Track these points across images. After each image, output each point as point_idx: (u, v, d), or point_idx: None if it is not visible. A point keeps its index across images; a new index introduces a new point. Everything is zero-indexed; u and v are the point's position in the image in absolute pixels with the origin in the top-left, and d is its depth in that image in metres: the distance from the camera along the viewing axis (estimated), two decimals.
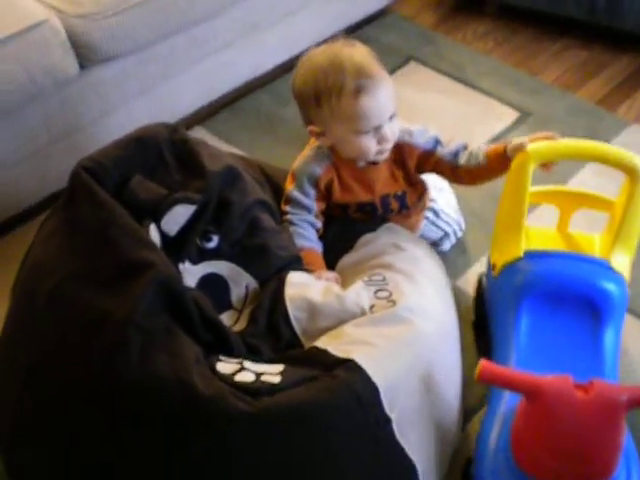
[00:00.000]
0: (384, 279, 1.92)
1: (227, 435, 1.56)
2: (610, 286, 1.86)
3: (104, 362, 1.63)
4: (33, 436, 1.73)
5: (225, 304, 1.92)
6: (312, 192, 2.11)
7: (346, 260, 2.09)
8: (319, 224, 2.13)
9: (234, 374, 1.66)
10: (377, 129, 1.96)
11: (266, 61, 2.97)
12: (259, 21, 2.81)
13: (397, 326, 1.76)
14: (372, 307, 1.84)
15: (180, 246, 1.89)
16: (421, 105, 2.91)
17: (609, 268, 1.88)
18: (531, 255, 1.91)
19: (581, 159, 1.92)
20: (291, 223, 2.09)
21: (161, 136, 1.98)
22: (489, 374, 1.54)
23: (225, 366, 1.68)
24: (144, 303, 1.65)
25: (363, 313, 1.83)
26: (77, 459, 1.66)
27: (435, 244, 2.33)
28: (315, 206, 2.12)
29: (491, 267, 2.00)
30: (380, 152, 2.01)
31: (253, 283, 1.95)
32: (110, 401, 1.62)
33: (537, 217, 2.13)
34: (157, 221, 1.86)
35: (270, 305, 1.88)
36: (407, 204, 2.17)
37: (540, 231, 2.05)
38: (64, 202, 1.90)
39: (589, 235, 2.04)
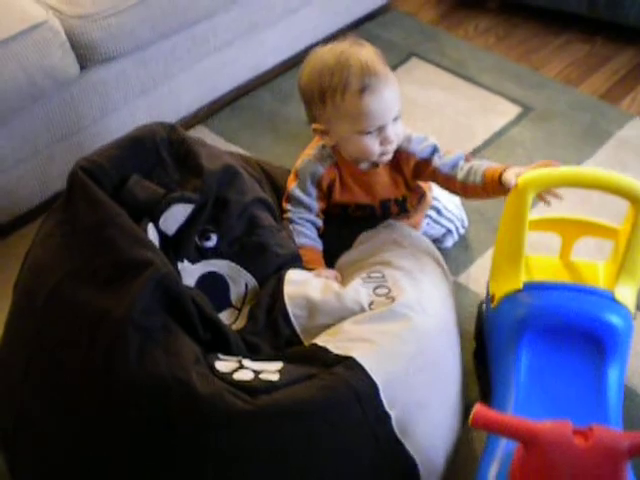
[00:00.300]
0: (383, 276, 1.92)
1: (225, 433, 1.56)
2: (614, 319, 1.78)
3: (102, 361, 1.63)
4: (34, 434, 1.73)
5: (224, 303, 1.92)
6: (314, 191, 2.11)
7: (345, 258, 2.09)
8: (320, 222, 2.13)
9: (233, 372, 1.66)
10: (380, 129, 1.95)
11: (267, 59, 2.97)
12: (259, 19, 2.81)
13: (396, 323, 1.76)
14: (371, 304, 1.84)
15: (178, 245, 1.89)
16: (423, 101, 2.91)
17: (613, 300, 1.80)
18: (531, 286, 1.84)
19: (582, 187, 1.84)
20: (291, 221, 2.09)
21: (159, 135, 1.98)
22: (483, 420, 1.48)
23: (224, 364, 1.68)
24: (142, 302, 1.65)
25: (362, 310, 1.82)
26: (76, 457, 1.67)
27: (437, 241, 2.33)
28: (316, 205, 2.12)
29: (490, 298, 1.92)
30: (383, 154, 2.00)
31: (252, 281, 1.95)
32: (108, 399, 1.63)
33: (540, 242, 2.09)
34: (155, 220, 1.86)
35: (269, 303, 1.88)
36: (407, 208, 2.17)
37: (541, 260, 1.97)
38: (62, 203, 1.90)
39: (593, 264, 1.96)
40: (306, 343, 1.82)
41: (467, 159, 2.02)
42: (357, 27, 3.24)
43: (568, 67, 3.12)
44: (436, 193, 2.29)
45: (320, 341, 1.77)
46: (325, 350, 1.72)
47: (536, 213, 1.96)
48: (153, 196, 1.88)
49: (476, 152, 2.69)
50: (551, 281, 1.85)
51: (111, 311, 1.65)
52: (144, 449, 1.60)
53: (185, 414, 1.57)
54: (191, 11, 2.51)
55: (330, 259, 2.10)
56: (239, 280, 1.94)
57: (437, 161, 2.02)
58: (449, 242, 2.37)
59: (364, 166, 2.08)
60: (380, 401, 1.64)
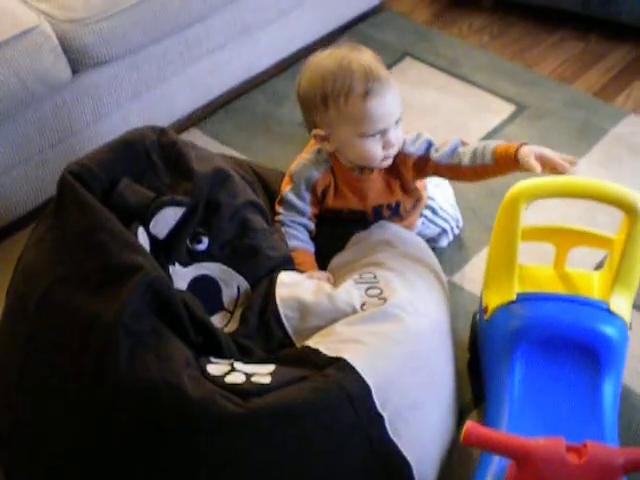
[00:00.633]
0: (375, 277, 1.92)
1: (217, 436, 1.57)
2: (609, 330, 1.75)
3: (94, 365, 1.63)
4: (28, 436, 1.73)
5: (217, 306, 1.92)
6: (308, 196, 2.11)
7: (338, 259, 2.08)
8: (312, 226, 2.13)
9: (224, 375, 1.66)
10: (383, 133, 1.95)
11: (260, 61, 2.97)
12: (252, 21, 2.80)
13: (388, 324, 1.76)
14: (363, 305, 1.84)
15: (170, 249, 1.89)
16: (417, 101, 2.90)
17: (608, 311, 1.78)
18: (525, 298, 1.82)
19: (576, 197, 1.82)
20: (283, 224, 2.09)
21: (149, 139, 1.98)
22: (475, 438, 1.46)
23: (215, 367, 1.68)
24: (132, 306, 1.66)
25: (354, 311, 1.82)
26: (69, 459, 1.67)
27: (432, 240, 2.32)
28: (309, 210, 2.12)
29: (483, 309, 1.90)
30: (385, 158, 2.00)
31: (244, 284, 1.95)
32: (100, 403, 1.63)
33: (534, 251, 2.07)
34: (146, 224, 1.86)
35: (261, 305, 1.88)
36: (400, 213, 2.16)
37: (535, 270, 1.95)
38: (53, 208, 1.90)
39: (587, 274, 1.94)
40: (298, 345, 1.82)
41: (464, 144, 2.03)
42: (350, 28, 3.23)
43: (562, 65, 3.11)
44: (431, 193, 2.28)
45: (312, 343, 1.77)
46: (317, 352, 1.72)
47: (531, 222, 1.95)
48: (143, 200, 1.87)
49: None
50: (545, 292, 1.84)
51: (101, 315, 1.65)
52: (136, 453, 1.60)
53: (176, 418, 1.58)
54: (183, 14, 2.51)
55: (323, 261, 2.10)
56: (231, 283, 1.94)
57: (435, 155, 2.02)
58: (444, 242, 2.37)
59: (357, 173, 2.07)
60: (373, 402, 1.64)
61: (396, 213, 2.15)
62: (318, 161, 2.09)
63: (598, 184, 1.78)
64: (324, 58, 1.98)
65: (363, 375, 1.64)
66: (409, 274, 1.92)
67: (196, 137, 2.75)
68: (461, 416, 1.93)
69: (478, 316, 1.97)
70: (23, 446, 1.75)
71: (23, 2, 2.33)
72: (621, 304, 1.80)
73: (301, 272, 1.99)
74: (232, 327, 1.89)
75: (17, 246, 2.03)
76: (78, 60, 2.34)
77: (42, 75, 2.26)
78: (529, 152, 1.84)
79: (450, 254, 2.37)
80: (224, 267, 1.94)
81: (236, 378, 1.65)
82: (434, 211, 2.30)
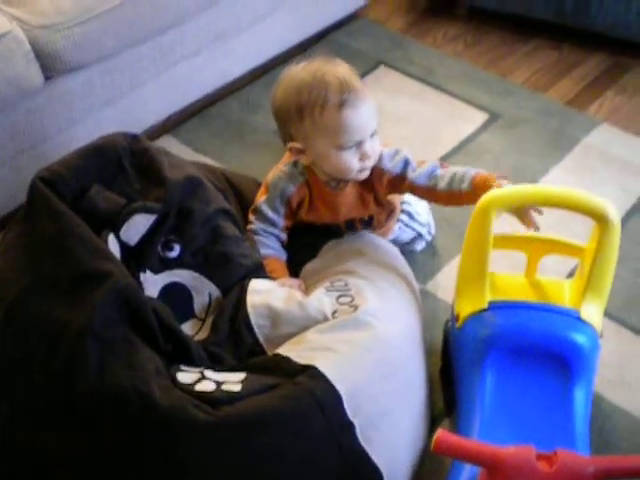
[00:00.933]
0: (346, 285, 1.92)
1: (187, 445, 1.56)
2: (580, 339, 1.76)
3: (63, 373, 1.63)
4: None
5: (188, 313, 1.92)
6: (282, 209, 2.10)
7: (310, 267, 2.08)
8: (284, 237, 2.13)
9: (195, 384, 1.65)
10: (359, 145, 1.93)
11: (234, 68, 2.96)
12: (226, 28, 2.80)
13: (359, 331, 1.76)
14: (334, 313, 1.84)
15: (141, 256, 1.88)
16: (391, 109, 2.91)
17: (579, 319, 1.79)
18: (496, 306, 1.81)
19: (548, 205, 1.82)
20: (255, 233, 2.09)
21: (120, 145, 1.97)
22: (446, 446, 1.46)
23: (186, 376, 1.68)
24: (102, 313, 1.65)
25: (325, 319, 1.82)
26: (38, 468, 1.66)
27: (406, 244, 2.33)
28: (282, 222, 2.12)
29: (455, 317, 1.89)
30: (361, 170, 1.99)
31: (216, 292, 1.94)
32: (70, 412, 1.62)
33: (506, 260, 2.07)
34: (116, 231, 1.85)
35: (232, 313, 1.87)
36: (373, 225, 2.17)
37: (507, 278, 1.96)
38: (23, 214, 1.89)
39: (559, 282, 1.94)
40: (269, 353, 1.82)
41: (442, 166, 2.02)
42: (325, 36, 3.23)
43: (536, 73, 3.13)
44: (407, 197, 2.28)
45: (283, 351, 1.76)
46: (288, 360, 1.72)
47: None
48: (114, 206, 1.87)
49: (444, 159, 2.69)
50: (516, 300, 1.84)
51: (71, 322, 1.65)
52: (106, 462, 1.59)
53: (146, 426, 1.57)
54: (157, 20, 2.50)
55: (295, 268, 2.10)
56: (203, 290, 1.93)
57: (411, 174, 2.01)
58: (419, 246, 2.37)
59: (333, 184, 2.07)
60: (343, 410, 1.64)
61: (369, 226, 2.16)
62: (294, 174, 2.08)
63: (569, 192, 1.79)
64: (299, 71, 1.97)
65: (334, 383, 1.64)
66: (380, 282, 1.92)
67: (170, 144, 2.74)
68: (433, 423, 1.93)
69: (450, 324, 1.97)
70: None
71: None
72: (592, 312, 1.81)
73: (273, 279, 1.99)
74: (203, 335, 1.88)
75: None
76: (51, 66, 2.33)
77: (14, 81, 2.24)
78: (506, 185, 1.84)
79: (423, 262, 2.37)
80: (196, 274, 1.93)
81: (206, 386, 1.65)
82: (410, 215, 2.30)
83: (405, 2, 3.52)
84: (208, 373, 1.70)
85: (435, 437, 1.46)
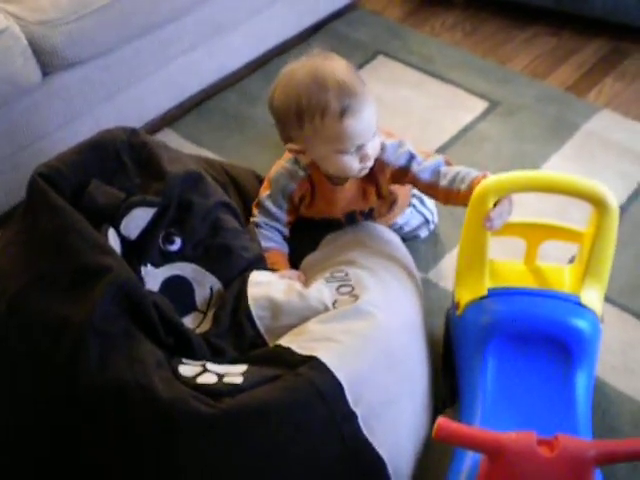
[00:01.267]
0: (346, 275, 1.91)
1: (189, 437, 1.56)
2: (581, 324, 1.76)
3: (65, 367, 1.63)
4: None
5: (189, 306, 1.91)
6: (284, 204, 2.10)
7: (310, 259, 2.08)
8: (286, 232, 2.13)
9: (196, 376, 1.65)
10: (360, 148, 1.91)
11: (233, 61, 2.96)
12: (224, 21, 2.80)
13: (360, 321, 1.76)
14: (335, 303, 1.84)
15: (141, 249, 1.88)
16: (390, 99, 2.90)
17: (579, 304, 1.79)
18: (496, 293, 1.82)
19: (545, 191, 1.83)
20: (258, 226, 2.09)
21: (119, 140, 1.97)
22: (446, 433, 1.46)
23: (187, 369, 1.68)
24: (103, 307, 1.65)
25: (326, 309, 1.82)
26: (40, 461, 1.67)
27: (412, 230, 2.34)
28: (285, 218, 2.11)
29: (455, 305, 1.90)
30: (362, 169, 1.97)
31: (217, 284, 1.94)
32: (71, 405, 1.62)
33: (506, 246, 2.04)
34: (116, 225, 1.85)
35: (233, 305, 1.87)
36: (373, 217, 2.16)
37: (506, 265, 1.95)
38: (23, 210, 1.90)
39: (558, 268, 1.94)
40: (271, 344, 1.82)
41: (447, 163, 2.01)
42: (323, 26, 3.23)
43: (535, 60, 3.12)
44: None
45: (284, 342, 1.76)
46: (289, 351, 1.72)
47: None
48: (113, 201, 1.87)
49: (444, 148, 2.69)
50: (516, 287, 1.84)
51: (72, 317, 1.65)
52: (108, 455, 1.60)
53: (148, 419, 1.57)
54: (153, 15, 2.50)
55: (295, 261, 2.10)
56: (204, 283, 1.93)
57: (416, 167, 1.99)
58: (423, 233, 2.37)
59: (335, 180, 2.06)
60: (345, 400, 1.64)
61: (369, 217, 2.16)
62: (295, 170, 2.07)
63: (566, 178, 1.79)
64: (297, 71, 1.92)
65: (335, 373, 1.64)
66: (381, 272, 1.92)
67: (169, 138, 2.74)
68: (436, 412, 1.92)
69: (451, 312, 1.97)
70: None
71: None
72: (592, 297, 1.81)
73: (274, 272, 1.99)
74: (205, 327, 1.88)
75: None
76: (48, 62, 2.33)
77: (12, 77, 2.25)
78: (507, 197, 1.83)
79: (425, 251, 2.37)
80: (197, 267, 1.93)
81: (208, 379, 1.65)
82: (422, 200, 2.32)
83: None
84: (210, 366, 1.70)
85: (436, 424, 1.47)
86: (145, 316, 1.71)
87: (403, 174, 2.02)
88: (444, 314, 2.06)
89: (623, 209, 2.48)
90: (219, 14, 2.75)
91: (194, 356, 1.75)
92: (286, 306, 1.84)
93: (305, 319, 1.82)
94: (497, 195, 1.79)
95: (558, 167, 2.61)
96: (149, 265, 1.88)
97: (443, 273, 2.32)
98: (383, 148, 2.00)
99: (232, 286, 1.91)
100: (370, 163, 1.97)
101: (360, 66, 2.98)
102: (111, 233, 1.83)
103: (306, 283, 1.96)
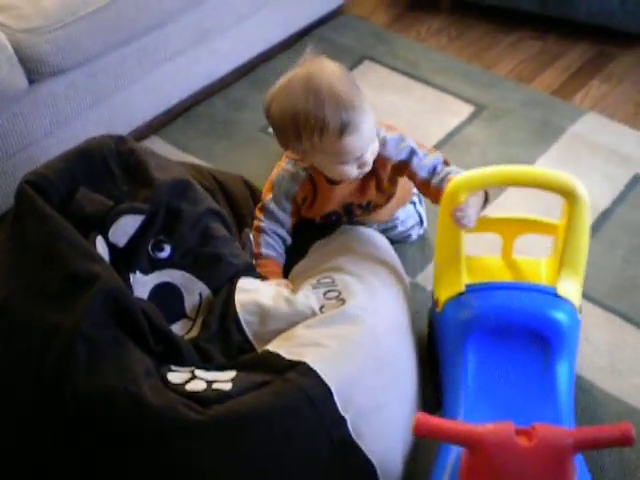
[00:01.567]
0: (333, 281, 1.92)
1: (179, 445, 1.56)
2: (558, 315, 1.78)
3: (52, 375, 1.63)
4: None
5: (179, 313, 1.92)
6: (288, 207, 2.10)
7: (298, 268, 2.09)
8: (289, 240, 2.13)
9: (185, 383, 1.66)
10: (359, 157, 1.92)
11: (219, 67, 2.96)
12: (210, 27, 2.80)
13: (347, 325, 1.76)
14: (322, 307, 1.84)
15: (130, 257, 1.88)
16: (377, 104, 2.86)
17: (556, 296, 1.80)
18: (473, 289, 1.83)
19: (514, 185, 1.86)
20: (262, 231, 2.09)
21: (106, 147, 1.97)
22: (425, 428, 1.47)
23: (176, 376, 1.68)
24: (91, 315, 1.65)
25: (313, 314, 1.83)
26: (27, 471, 1.66)
27: (405, 230, 2.35)
28: (289, 221, 2.12)
29: (435, 303, 1.92)
30: (360, 173, 1.98)
31: (206, 291, 1.94)
32: (59, 413, 1.62)
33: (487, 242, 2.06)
34: (104, 233, 1.85)
35: (221, 311, 1.88)
36: (371, 209, 2.16)
37: (483, 261, 1.97)
38: (10, 218, 1.90)
39: (535, 261, 1.96)
40: (259, 349, 1.82)
41: (445, 162, 2.02)
42: (309, 32, 3.23)
43: (520, 65, 3.13)
44: None
45: (272, 347, 1.77)
46: (278, 356, 1.72)
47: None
48: (101, 208, 1.87)
49: None
50: (493, 282, 1.85)
51: (60, 325, 1.65)
52: (97, 463, 1.60)
53: (137, 427, 1.57)
54: (139, 22, 2.50)
55: (285, 271, 2.11)
56: (193, 290, 1.94)
57: (416, 163, 2.00)
58: (416, 233, 2.38)
59: (334, 181, 2.06)
60: (334, 405, 1.64)
61: (367, 209, 2.15)
62: (297, 172, 2.07)
63: (535, 171, 1.84)
64: (293, 84, 1.87)
65: (324, 378, 1.64)
66: (368, 277, 1.92)
67: (157, 144, 2.74)
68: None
69: (432, 310, 1.98)
70: None
71: None
72: (569, 288, 1.82)
73: (263, 280, 1.99)
74: (194, 334, 1.88)
75: None
76: (34, 69, 2.33)
77: None
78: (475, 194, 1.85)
79: (413, 255, 2.38)
80: (186, 274, 1.93)
81: (197, 386, 1.65)
82: (420, 200, 2.35)
83: None
84: (199, 372, 1.70)
85: (415, 420, 1.47)
86: (134, 323, 1.71)
87: (403, 168, 2.03)
88: (427, 313, 2.07)
89: (610, 211, 2.49)
90: (205, 20, 2.75)
91: (183, 362, 1.75)
92: (274, 311, 1.84)
93: (293, 324, 1.82)
94: (467, 192, 1.80)
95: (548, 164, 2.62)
96: (138, 272, 1.88)
97: (431, 277, 2.29)
98: (384, 143, 2.00)
99: (221, 292, 1.92)
100: (369, 167, 1.97)
101: None
102: (99, 241, 1.83)
103: (294, 291, 1.96)
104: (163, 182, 1.93)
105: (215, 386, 1.65)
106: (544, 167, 2.62)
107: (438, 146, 2.73)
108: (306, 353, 1.70)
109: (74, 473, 1.61)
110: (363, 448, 1.67)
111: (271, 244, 2.08)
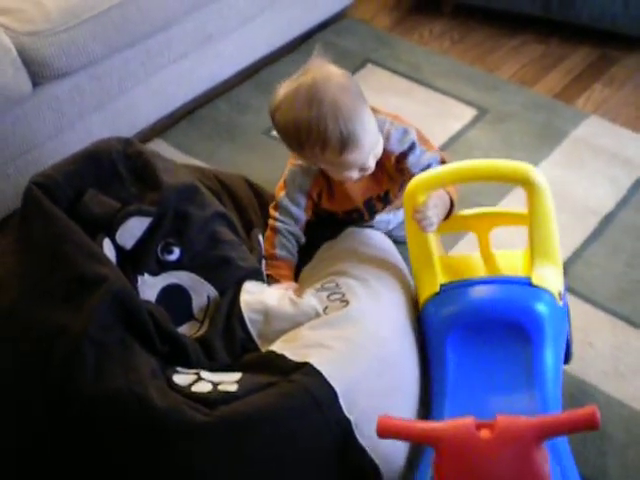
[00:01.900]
0: (337, 285, 1.91)
1: (185, 446, 1.56)
2: (534, 304, 1.77)
3: (59, 377, 1.63)
4: None
5: (187, 315, 1.92)
6: (303, 202, 2.10)
7: (305, 272, 2.09)
8: (303, 239, 2.13)
9: (191, 385, 1.66)
10: (361, 165, 1.94)
11: (223, 70, 2.96)
12: (214, 31, 2.80)
13: (351, 327, 1.77)
14: (326, 309, 1.84)
15: (138, 258, 1.89)
16: (379, 107, 2.90)
17: (530, 285, 1.79)
18: (449, 287, 1.83)
19: (472, 180, 1.85)
20: (278, 231, 2.09)
21: (114, 149, 1.98)
22: (387, 429, 1.47)
23: (182, 377, 1.69)
24: (99, 317, 1.66)
25: (317, 315, 1.83)
26: (33, 471, 1.67)
27: None
28: (304, 217, 2.11)
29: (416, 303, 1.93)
30: (363, 175, 1.99)
31: (214, 293, 1.94)
32: (66, 415, 1.63)
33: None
34: (112, 235, 1.86)
35: (227, 310, 1.88)
36: (390, 199, 2.16)
37: (461, 258, 1.98)
38: (18, 220, 1.90)
39: (513, 253, 1.95)
40: (263, 349, 1.83)
41: (442, 161, 2.02)
42: (312, 35, 3.23)
43: (523, 68, 3.13)
44: None
45: (277, 348, 1.77)
46: (283, 357, 1.72)
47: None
48: (109, 210, 1.88)
49: None
50: (467, 278, 1.85)
51: (68, 327, 1.66)
52: (102, 465, 1.60)
53: (144, 428, 1.58)
54: (143, 25, 2.51)
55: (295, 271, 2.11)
56: (201, 292, 1.94)
57: (412, 159, 2.01)
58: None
59: None
60: (339, 406, 1.64)
61: (387, 201, 2.16)
62: (309, 166, 2.07)
63: (489, 164, 1.84)
64: (297, 94, 1.87)
65: (329, 379, 1.65)
66: (373, 281, 1.92)
67: (160, 147, 2.74)
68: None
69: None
70: None
71: None
72: (544, 275, 1.82)
73: (276, 282, 2.00)
74: (200, 334, 1.88)
75: None
76: (38, 72, 2.33)
77: (2, 89, 2.25)
78: (434, 196, 1.86)
79: None
80: (194, 276, 1.93)
81: (203, 387, 1.66)
82: None
83: (391, 0, 3.53)
84: (204, 374, 1.71)
85: (377, 423, 1.47)
86: (140, 325, 1.72)
87: (402, 160, 2.03)
88: None
89: (613, 215, 2.49)
90: (208, 23, 2.76)
91: (189, 363, 1.76)
92: (278, 310, 1.85)
93: (297, 324, 1.83)
94: (425, 192, 1.81)
95: (548, 174, 2.58)
96: (146, 274, 1.89)
97: None
98: (388, 137, 2.01)
99: (227, 293, 1.92)
100: (371, 170, 1.98)
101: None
102: (106, 243, 1.84)
103: (299, 295, 1.96)
104: (171, 186, 1.93)
105: (221, 387, 1.65)
106: (547, 171, 2.62)
107: (441, 149, 2.73)
108: (311, 354, 1.70)
109: (79, 474, 1.62)
110: (367, 450, 1.67)
111: (285, 245, 2.09)
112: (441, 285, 1.84)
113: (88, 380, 1.61)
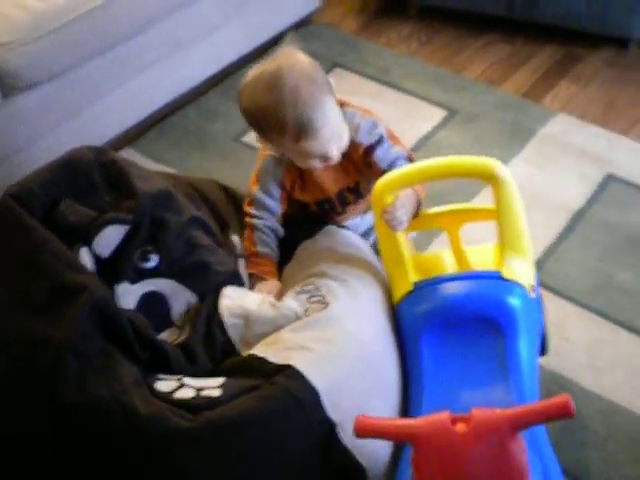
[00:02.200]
0: (317, 288, 1.91)
1: (170, 453, 1.56)
2: (505, 297, 1.78)
3: (43, 389, 1.62)
4: None
5: (166, 321, 1.91)
6: (277, 192, 2.09)
7: (287, 271, 2.08)
8: (282, 231, 2.11)
9: (174, 392, 1.65)
10: (321, 155, 1.93)
11: (192, 77, 2.97)
12: (182, 37, 2.81)
13: (332, 328, 1.76)
14: (306, 311, 1.84)
15: (116, 267, 1.87)
16: (350, 101, 2.91)
17: (500, 279, 1.80)
18: (421, 286, 1.84)
19: (437, 178, 1.88)
20: (256, 228, 2.08)
21: (87, 158, 1.96)
22: (364, 429, 1.48)
23: (164, 384, 1.68)
24: (80, 327, 1.65)
25: (298, 317, 1.83)
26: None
27: None
28: (279, 209, 2.10)
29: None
30: (326, 165, 1.98)
31: (194, 299, 1.94)
32: (50, 427, 1.61)
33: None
34: (89, 244, 1.85)
35: (207, 315, 1.88)
36: (362, 193, 2.15)
37: (432, 257, 1.99)
38: None
39: (485, 248, 1.95)
40: (244, 353, 1.82)
41: (409, 159, 2.02)
42: (279, 41, 3.22)
43: (490, 68, 3.16)
44: None
45: (259, 351, 1.77)
46: (264, 361, 1.72)
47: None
48: (85, 219, 1.86)
49: None
50: (438, 276, 1.86)
51: (49, 338, 1.64)
52: (90, 473, 1.59)
53: (128, 437, 1.57)
54: (109, 34, 2.51)
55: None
56: (180, 298, 1.93)
57: (379, 153, 2.00)
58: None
59: None
60: (322, 407, 1.64)
61: (358, 194, 2.15)
62: (280, 156, 2.06)
63: (454, 161, 1.85)
64: (260, 80, 1.88)
65: (311, 381, 1.65)
66: (352, 281, 1.92)
67: (131, 156, 2.74)
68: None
69: None
70: None
71: None
72: (515, 269, 1.83)
73: (260, 279, 2.01)
74: (181, 340, 1.88)
75: None
76: (6, 84, 2.33)
77: None
78: (401, 195, 1.86)
79: None
80: (173, 282, 1.92)
81: (185, 393, 1.65)
82: None
83: (357, 4, 3.55)
84: (187, 380, 1.70)
85: (354, 422, 1.48)
86: (120, 333, 1.71)
87: (370, 153, 2.02)
88: None
89: (584, 211, 2.52)
90: (177, 30, 2.77)
91: (171, 370, 1.75)
92: (259, 314, 1.84)
93: (277, 327, 1.82)
94: (391, 192, 1.82)
95: (519, 171, 2.64)
96: (124, 282, 1.87)
97: None
98: (357, 129, 2.00)
99: (207, 299, 1.92)
100: (334, 161, 1.97)
101: None
102: (84, 252, 1.83)
103: (279, 299, 1.96)
104: (146, 193, 1.92)
105: (204, 393, 1.64)
106: (518, 169, 2.65)
107: (412, 151, 2.74)
108: (292, 357, 1.70)
109: None
110: (352, 449, 1.67)
111: (265, 241, 2.07)
112: (414, 283, 1.85)
113: (71, 390, 1.59)
